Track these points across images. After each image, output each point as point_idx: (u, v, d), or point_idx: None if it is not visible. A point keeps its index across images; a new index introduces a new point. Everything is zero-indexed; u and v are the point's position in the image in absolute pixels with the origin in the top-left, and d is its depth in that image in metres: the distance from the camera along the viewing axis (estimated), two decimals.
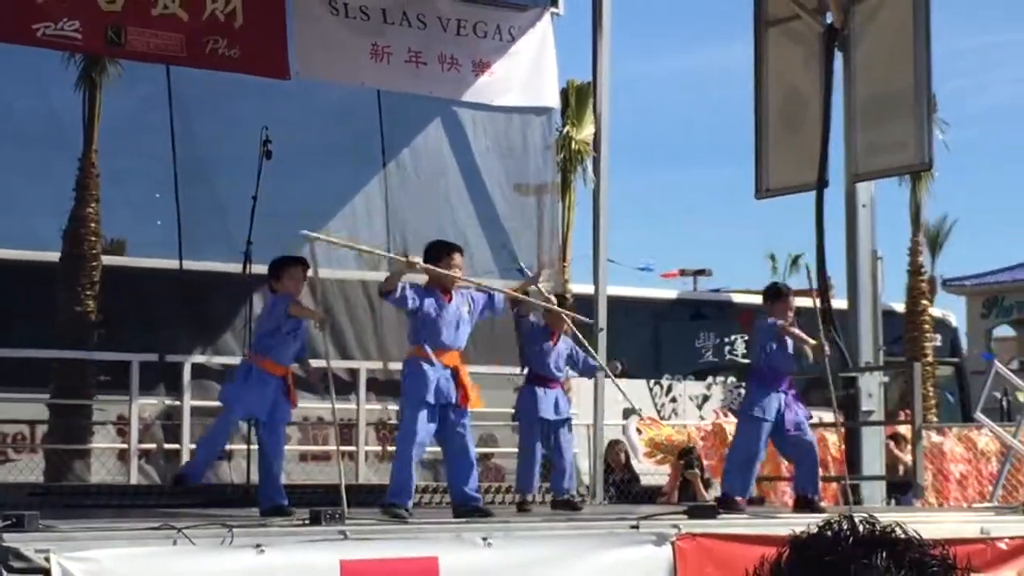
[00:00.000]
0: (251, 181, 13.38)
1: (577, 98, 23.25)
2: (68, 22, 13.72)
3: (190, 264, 15.48)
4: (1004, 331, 55.27)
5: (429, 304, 11.56)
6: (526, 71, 16.56)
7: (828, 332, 14.79)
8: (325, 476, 16.34)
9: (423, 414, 11.38)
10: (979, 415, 17.91)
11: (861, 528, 1.73)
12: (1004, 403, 27.83)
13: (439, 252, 11.88)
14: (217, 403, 15.22)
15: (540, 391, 13.48)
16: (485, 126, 16.96)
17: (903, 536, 1.69)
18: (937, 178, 28.85)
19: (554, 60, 16.83)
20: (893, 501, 16.88)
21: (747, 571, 1.86)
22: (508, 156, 17.04)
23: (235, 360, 14.00)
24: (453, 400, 11.51)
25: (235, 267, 13.43)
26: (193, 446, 14.91)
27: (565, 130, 22.66)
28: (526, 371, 13.82)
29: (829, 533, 1.71)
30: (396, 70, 15.63)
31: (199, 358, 15.47)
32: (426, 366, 11.43)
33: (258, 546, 8.80)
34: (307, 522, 9.64)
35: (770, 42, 16.99)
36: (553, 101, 17.20)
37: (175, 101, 15.52)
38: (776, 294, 13.99)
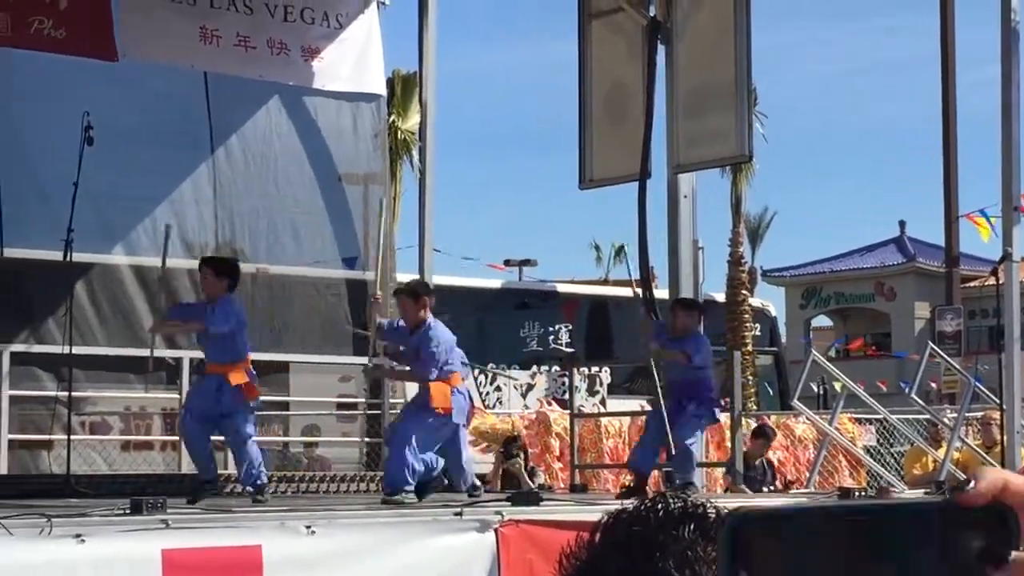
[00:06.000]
0: (75, 166, 13.20)
1: (403, 88, 23.33)
2: None
3: (11, 251, 15.22)
4: (822, 321, 56.39)
5: None
6: (353, 58, 16.60)
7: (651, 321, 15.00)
8: (148, 466, 16.22)
9: None
10: (797, 403, 18.29)
11: (672, 504, 1.80)
12: (821, 391, 28.42)
13: None
14: (36, 392, 15.07)
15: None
16: (315, 113, 16.94)
17: (714, 512, 1.76)
18: (758, 171, 29.37)
19: (380, 48, 16.90)
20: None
21: (562, 550, 1.91)
22: (337, 144, 17.04)
23: (56, 349, 13.80)
24: None
25: (57, 255, 13.23)
26: (11, 436, 14.72)
27: (391, 120, 22.68)
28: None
29: (641, 508, 1.77)
30: (226, 53, 15.57)
31: (19, 347, 15.22)
32: None
33: (78, 536, 8.71)
34: (128, 511, 9.55)
35: (594, 34, 17.12)
36: (380, 89, 17.24)
37: None
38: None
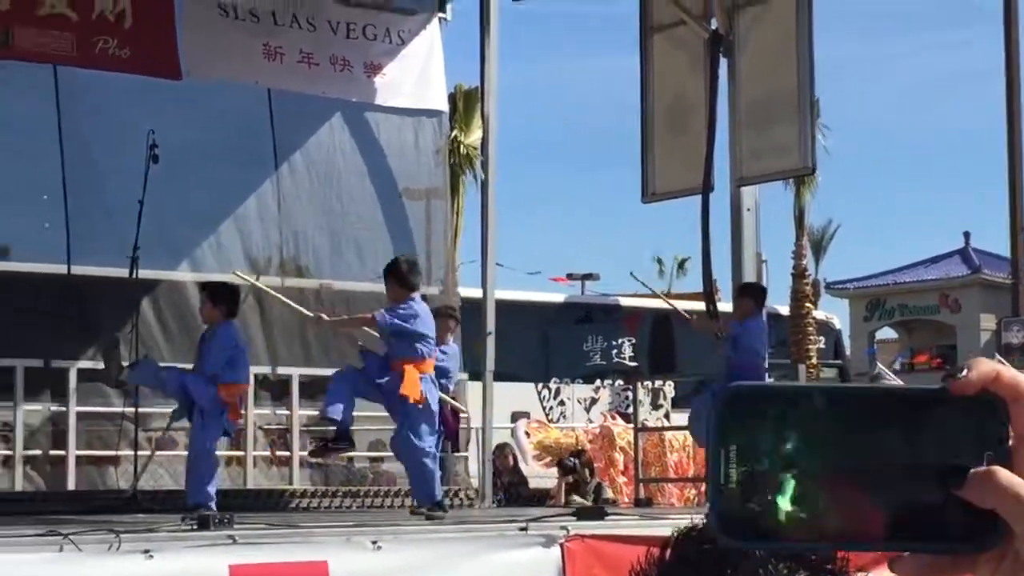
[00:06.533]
0: (140, 184, 13.31)
1: (465, 103, 23.38)
2: None
3: (78, 269, 15.36)
4: (886, 333, 56.03)
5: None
6: (416, 74, 16.66)
7: (716, 336, 14.99)
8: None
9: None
10: None
11: None
12: None
13: None
14: (103, 408, 15.19)
15: None
16: (377, 129, 17.01)
17: None
18: (822, 183, 29.26)
19: (442, 64, 16.96)
20: None
21: (631, 567, 1.91)
22: (399, 159, 17.10)
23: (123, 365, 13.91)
24: None
25: (123, 272, 13.34)
26: (79, 452, 14.84)
27: (453, 134, 22.74)
28: None
29: None
30: (289, 70, 15.67)
31: (85, 363, 15.33)
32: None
33: (146, 551, 8.76)
34: (195, 527, 9.61)
35: (656, 48, 17.11)
36: (442, 104, 17.29)
37: (63, 103, 15.40)
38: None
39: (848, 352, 32.73)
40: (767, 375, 14.48)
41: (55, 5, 14.12)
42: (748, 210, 16.63)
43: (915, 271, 54.37)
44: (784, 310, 28.40)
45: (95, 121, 15.57)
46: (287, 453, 15.88)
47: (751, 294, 14.93)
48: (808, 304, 29.02)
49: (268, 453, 16.48)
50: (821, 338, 29.21)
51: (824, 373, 28.56)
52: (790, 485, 1.25)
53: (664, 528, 10.15)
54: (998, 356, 21.45)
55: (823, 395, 1.27)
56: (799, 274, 29.43)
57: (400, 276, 12.31)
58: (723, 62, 16.40)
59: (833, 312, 32.60)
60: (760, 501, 1.25)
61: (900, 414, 1.26)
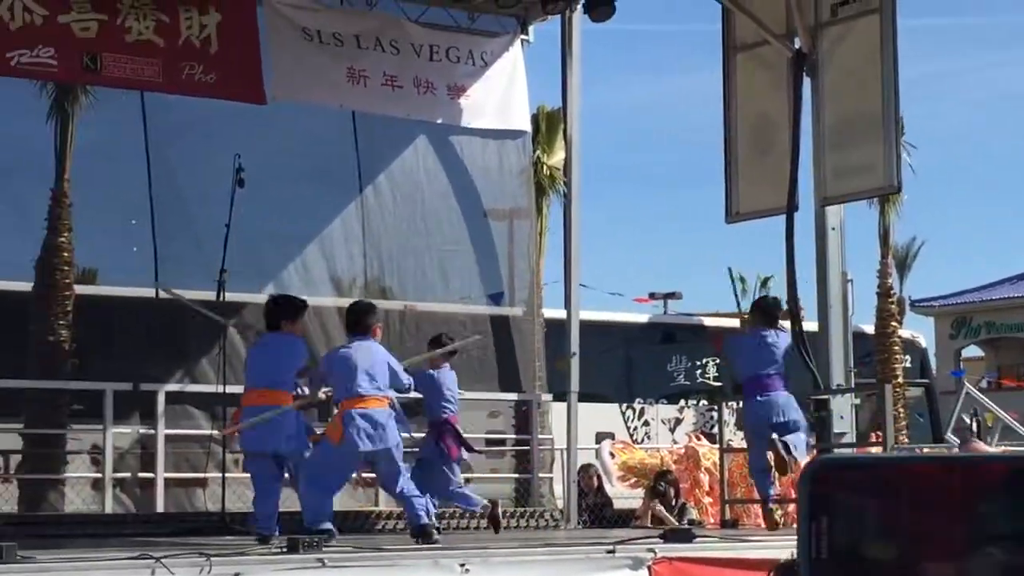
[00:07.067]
0: (226, 208, 13.41)
1: (547, 124, 23.36)
2: (43, 49, 13.76)
3: (165, 292, 15.48)
4: (973, 351, 55.50)
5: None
6: (499, 95, 16.70)
7: (801, 355, 14.93)
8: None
9: None
10: (950, 435, 18.03)
11: None
12: (974, 424, 27.97)
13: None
14: (191, 431, 15.30)
15: None
16: (461, 150, 17.07)
17: None
18: (906, 200, 29.02)
19: (525, 85, 16.98)
20: None
21: None
22: (483, 181, 17.14)
23: (210, 388, 14.03)
24: None
25: (211, 294, 13.44)
26: (168, 474, 14.92)
27: (536, 155, 22.76)
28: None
29: None
30: (373, 93, 15.74)
31: (173, 386, 15.45)
32: None
33: (237, 574, 8.82)
34: (285, 550, 9.66)
35: (738, 67, 17.05)
36: (525, 125, 17.32)
37: (150, 128, 15.56)
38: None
39: (934, 370, 32.44)
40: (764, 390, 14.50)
41: (142, 32, 14.26)
42: (833, 229, 16.52)
43: (1002, 288, 53.82)
44: (869, 329, 28.19)
45: (181, 146, 15.72)
46: (372, 475, 15.92)
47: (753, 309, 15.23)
48: (893, 323, 28.79)
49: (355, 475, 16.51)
50: (907, 357, 28.99)
51: (910, 392, 28.35)
52: (883, 557, 1.23)
53: (751, 551, 10.12)
54: None
55: (906, 466, 1.25)
56: (884, 293, 29.19)
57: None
58: (806, 81, 16.33)
59: (918, 330, 32.33)
60: (853, 573, 1.24)
61: (979, 482, 1.23)
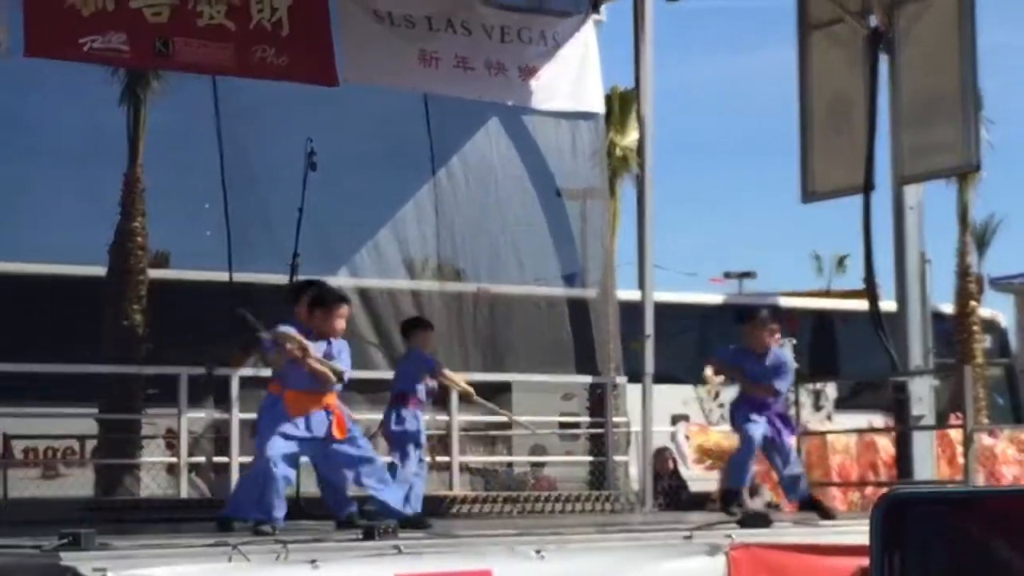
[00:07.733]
0: (298, 191, 13.37)
1: (620, 104, 23.22)
2: (115, 35, 13.77)
3: (239, 276, 15.48)
4: None
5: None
6: (571, 76, 16.57)
7: (879, 337, 14.76)
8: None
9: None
10: None
11: None
12: None
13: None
14: None
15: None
16: (534, 132, 16.95)
17: None
18: (985, 177, 28.67)
19: (598, 66, 16.84)
20: None
21: None
22: (557, 162, 17.02)
23: None
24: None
25: (284, 278, 13.42)
26: (243, 459, 14.91)
27: (609, 136, 22.61)
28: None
29: None
30: (445, 75, 15.66)
31: (248, 371, 15.45)
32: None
33: (313, 561, 8.79)
34: (361, 537, 9.63)
35: (814, 45, 16.90)
36: (598, 106, 17.16)
37: (222, 112, 15.54)
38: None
39: (1015, 350, 32.06)
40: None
41: (214, 16, 14.24)
42: (911, 208, 16.36)
43: None
44: (948, 309, 27.89)
45: (253, 129, 15.69)
46: (447, 458, 15.86)
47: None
48: (973, 303, 28.47)
49: (428, 459, 16.49)
50: (987, 337, 28.66)
51: (990, 373, 28.01)
52: None
53: (829, 536, 9.96)
54: None
55: (983, 500, 1.17)
56: (963, 272, 28.88)
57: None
58: (882, 59, 16.15)
59: (997, 307, 31.90)
60: None
61: None
